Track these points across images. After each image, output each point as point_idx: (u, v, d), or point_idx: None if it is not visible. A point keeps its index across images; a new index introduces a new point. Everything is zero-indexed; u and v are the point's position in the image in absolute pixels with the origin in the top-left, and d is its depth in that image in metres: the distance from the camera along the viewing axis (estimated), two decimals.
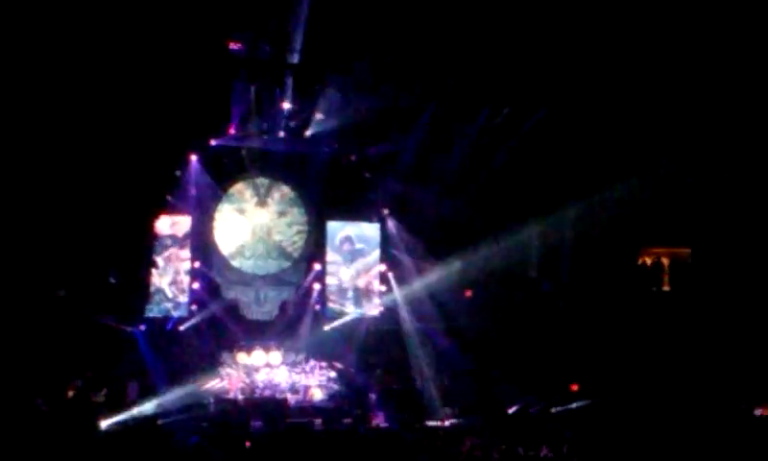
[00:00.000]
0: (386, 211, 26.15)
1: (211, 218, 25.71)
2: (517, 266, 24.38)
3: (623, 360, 22.07)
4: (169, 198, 24.43)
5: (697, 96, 20.55)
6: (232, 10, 19.02)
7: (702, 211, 22.17)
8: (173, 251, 25.26)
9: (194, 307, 24.98)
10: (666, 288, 24.03)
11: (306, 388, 23.71)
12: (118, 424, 19.99)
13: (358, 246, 26.57)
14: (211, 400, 22.50)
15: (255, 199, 25.99)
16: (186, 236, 25.36)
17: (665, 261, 24.03)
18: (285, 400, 23.04)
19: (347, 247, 26.50)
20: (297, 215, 26.26)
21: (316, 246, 26.35)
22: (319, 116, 23.88)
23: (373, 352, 25.13)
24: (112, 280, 22.71)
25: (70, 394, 21.03)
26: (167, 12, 18.52)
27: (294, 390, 23.66)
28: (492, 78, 21.00)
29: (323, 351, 25.03)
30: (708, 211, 22.09)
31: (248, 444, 18.53)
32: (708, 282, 22.89)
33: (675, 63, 19.51)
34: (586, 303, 23.34)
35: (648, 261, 24.09)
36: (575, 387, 22.61)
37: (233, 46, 20.47)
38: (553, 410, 21.62)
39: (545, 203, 23.81)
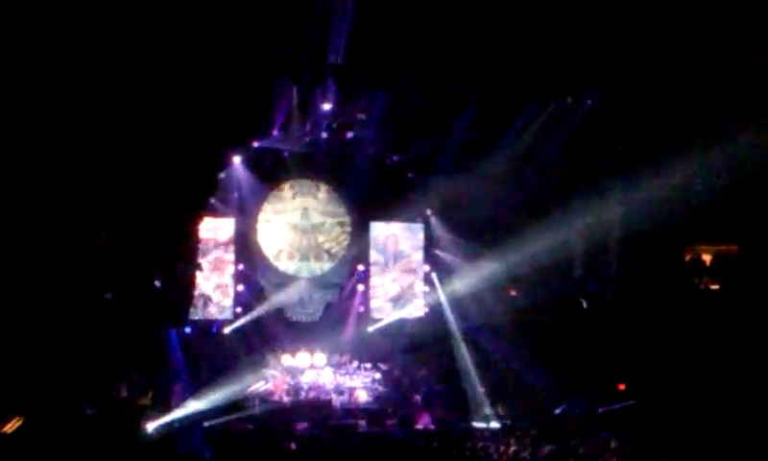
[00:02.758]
0: (429, 211, 26.07)
1: (255, 220, 25.79)
2: (562, 264, 24.15)
3: (670, 359, 21.79)
4: (212, 201, 24.50)
5: (744, 89, 20.20)
6: (275, 10, 18.99)
7: (750, 208, 21.80)
8: (217, 254, 25.37)
9: (238, 310, 25.07)
10: (714, 286, 23.67)
11: (351, 390, 23.73)
12: (164, 426, 20.09)
13: (401, 247, 26.54)
14: (256, 403, 22.60)
15: (298, 200, 26.01)
16: (230, 239, 25.48)
17: (711, 258, 23.69)
18: (330, 402, 23.08)
19: (390, 246, 26.47)
20: (340, 216, 26.26)
21: (359, 247, 26.33)
22: (361, 117, 23.82)
23: (418, 353, 25.07)
24: (157, 284, 22.80)
25: (116, 397, 21.17)
26: (207, 14, 18.54)
27: (339, 391, 23.68)
28: (537, 72, 20.80)
29: (367, 352, 25.05)
30: (757, 208, 21.72)
31: (293, 446, 18.55)
32: (757, 280, 22.53)
33: (723, 54, 19.18)
34: (632, 300, 23.05)
35: (695, 258, 23.76)
36: (622, 387, 22.37)
37: (276, 47, 20.45)
38: (600, 410, 21.45)
39: (591, 199, 23.61)
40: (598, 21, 18.41)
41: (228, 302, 25.29)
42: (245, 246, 25.68)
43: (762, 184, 20.47)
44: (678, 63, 19.35)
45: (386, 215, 26.46)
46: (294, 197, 26.04)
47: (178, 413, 20.84)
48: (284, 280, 25.95)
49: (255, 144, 24.21)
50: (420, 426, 21.74)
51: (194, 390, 22.16)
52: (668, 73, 19.74)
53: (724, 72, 19.48)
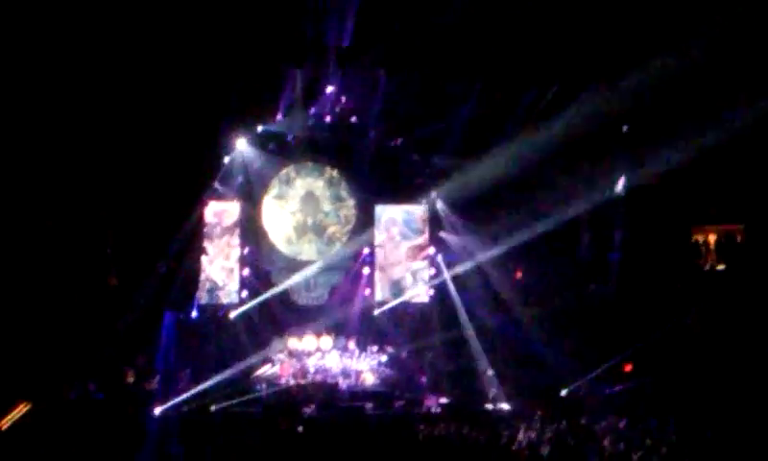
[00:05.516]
0: (434, 194, 26.02)
1: (260, 205, 25.77)
2: (569, 245, 24.20)
3: (676, 339, 21.81)
4: (217, 185, 24.54)
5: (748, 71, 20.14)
6: None
7: (755, 188, 21.79)
8: (223, 238, 25.37)
9: (244, 294, 25.08)
10: (720, 266, 23.66)
11: (358, 373, 23.76)
12: (171, 410, 20.17)
13: (407, 229, 26.49)
14: (263, 386, 22.67)
15: (303, 184, 25.99)
16: (235, 223, 25.46)
17: (718, 239, 23.68)
18: (337, 385, 23.12)
19: (394, 229, 26.43)
20: (345, 199, 26.23)
21: (364, 230, 26.30)
22: (365, 99, 23.77)
23: (424, 336, 25.07)
24: (163, 269, 22.85)
25: (123, 382, 21.26)
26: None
27: (345, 375, 23.71)
28: (540, 55, 20.77)
29: (373, 335, 25.07)
30: (762, 188, 21.72)
31: (300, 428, 18.62)
32: (762, 260, 22.53)
33: (725, 37, 19.12)
34: (638, 281, 23.08)
35: (701, 239, 23.76)
36: (629, 367, 22.41)
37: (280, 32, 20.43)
38: (606, 391, 21.50)
39: (596, 180, 23.61)
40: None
41: (234, 286, 25.29)
42: (250, 230, 25.67)
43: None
44: (681, 46, 19.33)
45: (391, 198, 26.40)
46: (299, 181, 26.01)
47: (184, 398, 20.92)
48: (290, 264, 25.94)
49: (260, 128, 24.23)
50: (426, 409, 21.80)
51: (200, 374, 22.23)
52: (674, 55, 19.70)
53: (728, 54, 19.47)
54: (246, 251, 25.43)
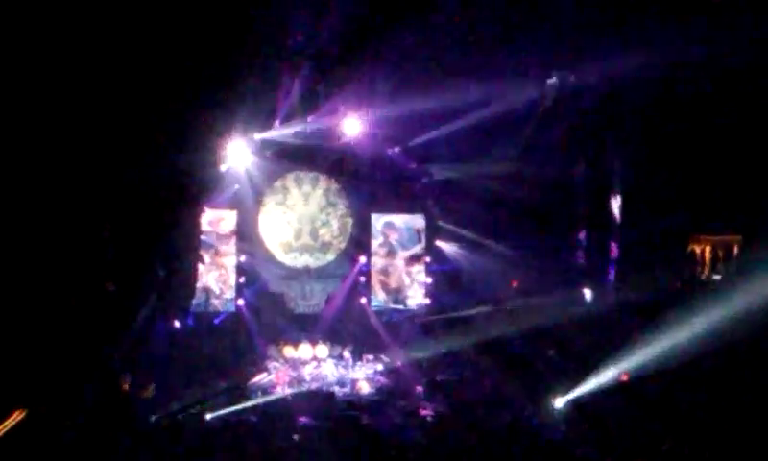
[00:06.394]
0: (431, 202, 26.06)
1: (256, 213, 25.81)
2: (565, 253, 24.23)
3: (673, 349, 21.79)
4: (215, 193, 24.53)
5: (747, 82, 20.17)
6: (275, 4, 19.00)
7: (752, 198, 21.81)
8: (219, 246, 25.38)
9: (240, 302, 25.08)
10: (717, 276, 23.67)
11: (353, 381, 23.72)
12: (166, 419, 20.10)
13: (403, 237, 26.52)
14: (259, 395, 22.58)
15: (300, 192, 26.03)
16: (232, 231, 25.52)
17: (715, 249, 23.68)
18: (333, 394, 23.07)
19: (391, 237, 26.46)
20: (341, 208, 26.30)
21: (361, 238, 26.35)
22: (363, 107, 23.79)
23: (420, 344, 25.06)
24: (160, 276, 22.81)
25: (118, 390, 21.17)
26: (207, 6, 18.54)
27: (341, 383, 23.69)
28: (540, 60, 20.82)
29: (369, 343, 25.06)
30: (759, 198, 21.73)
31: (296, 437, 18.56)
32: (758, 271, 22.53)
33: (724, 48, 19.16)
34: (635, 290, 23.08)
35: (697, 249, 23.77)
36: (625, 377, 22.38)
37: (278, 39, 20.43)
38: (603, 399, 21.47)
39: (593, 190, 23.66)
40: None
41: (231, 294, 25.33)
42: (247, 238, 25.73)
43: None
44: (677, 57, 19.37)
45: (387, 206, 26.46)
46: (295, 189, 26.07)
47: (180, 405, 20.85)
48: (286, 272, 26.01)
49: (257, 136, 24.22)
50: (422, 418, 21.75)
51: (196, 383, 22.18)
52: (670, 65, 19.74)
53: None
54: (242, 258, 25.46)
